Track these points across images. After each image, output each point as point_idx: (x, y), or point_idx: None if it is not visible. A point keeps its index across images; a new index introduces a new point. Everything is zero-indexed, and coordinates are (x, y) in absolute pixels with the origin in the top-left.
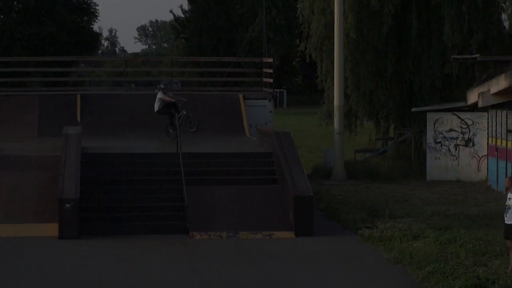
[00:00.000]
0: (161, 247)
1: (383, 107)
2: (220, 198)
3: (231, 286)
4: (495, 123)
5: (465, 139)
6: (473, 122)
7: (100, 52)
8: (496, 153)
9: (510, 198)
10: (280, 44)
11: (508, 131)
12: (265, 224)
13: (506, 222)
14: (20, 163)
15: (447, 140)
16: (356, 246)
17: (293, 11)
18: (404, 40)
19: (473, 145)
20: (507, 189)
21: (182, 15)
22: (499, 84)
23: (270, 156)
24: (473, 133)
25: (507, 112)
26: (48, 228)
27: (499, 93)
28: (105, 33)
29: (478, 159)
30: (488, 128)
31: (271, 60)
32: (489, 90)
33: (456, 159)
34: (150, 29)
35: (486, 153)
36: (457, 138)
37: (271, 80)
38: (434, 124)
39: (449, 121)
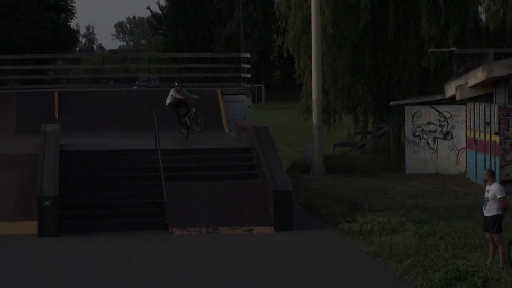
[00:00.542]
0: (141, 244)
1: (362, 101)
2: (199, 194)
3: (211, 281)
4: (473, 116)
5: (444, 132)
6: (451, 115)
7: (77, 49)
8: (474, 146)
9: (488, 191)
10: (257, 40)
11: (486, 123)
12: (244, 219)
13: (484, 214)
14: None
15: (426, 134)
16: (336, 240)
17: (270, 6)
18: (382, 34)
19: (452, 138)
20: (485, 182)
21: (159, 12)
22: (476, 77)
23: (249, 151)
24: (451, 126)
25: (484, 105)
26: (27, 226)
27: (476, 86)
28: (83, 30)
29: (457, 152)
30: (466, 121)
31: (248, 55)
32: (466, 83)
33: (435, 152)
34: (128, 25)
35: (464, 146)
36: (435, 131)
37: (249, 76)
38: (413, 117)
39: (427, 115)
